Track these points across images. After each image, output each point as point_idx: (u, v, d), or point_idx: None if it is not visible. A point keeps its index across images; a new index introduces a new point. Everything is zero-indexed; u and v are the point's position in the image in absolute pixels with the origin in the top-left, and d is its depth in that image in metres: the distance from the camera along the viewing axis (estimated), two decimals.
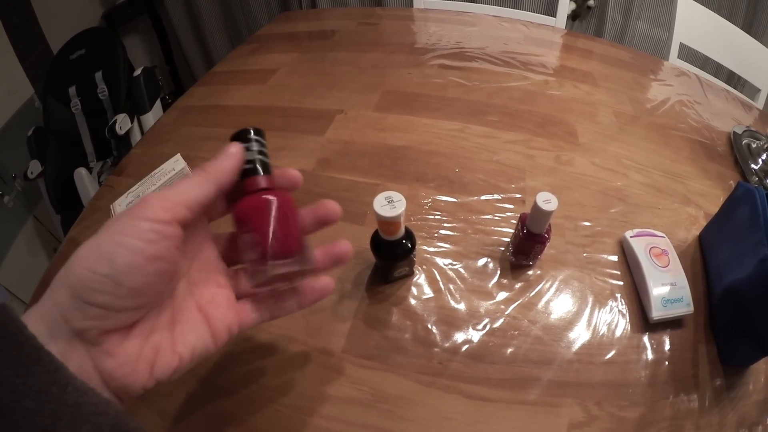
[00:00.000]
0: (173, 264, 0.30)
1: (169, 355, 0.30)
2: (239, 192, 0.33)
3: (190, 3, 2.09)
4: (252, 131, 0.34)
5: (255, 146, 0.33)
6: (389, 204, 0.42)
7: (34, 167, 1.48)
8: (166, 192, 0.30)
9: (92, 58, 1.57)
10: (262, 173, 0.33)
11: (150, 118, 1.55)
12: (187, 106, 0.92)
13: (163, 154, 0.71)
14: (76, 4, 1.84)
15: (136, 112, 1.55)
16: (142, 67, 1.57)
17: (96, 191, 0.83)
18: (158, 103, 1.60)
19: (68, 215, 1.51)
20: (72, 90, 1.54)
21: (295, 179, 0.36)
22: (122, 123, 1.46)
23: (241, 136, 0.33)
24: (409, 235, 0.49)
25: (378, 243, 0.49)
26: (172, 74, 2.35)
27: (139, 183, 0.65)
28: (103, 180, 1.50)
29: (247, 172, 0.33)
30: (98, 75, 1.55)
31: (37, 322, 0.26)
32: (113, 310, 0.27)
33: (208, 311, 0.33)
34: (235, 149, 0.33)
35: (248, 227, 0.32)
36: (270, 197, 0.32)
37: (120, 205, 0.62)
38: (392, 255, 0.49)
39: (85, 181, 1.47)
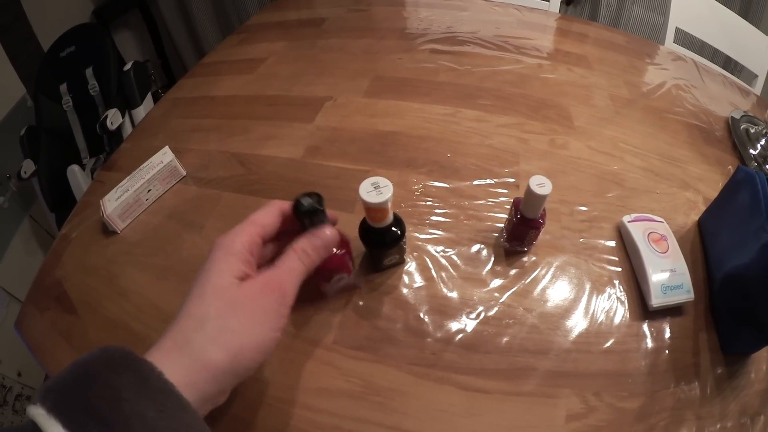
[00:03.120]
0: None
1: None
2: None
3: None
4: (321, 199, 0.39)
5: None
6: (375, 190, 0.41)
7: (28, 166, 1.47)
8: (273, 273, 0.36)
9: (82, 55, 1.56)
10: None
11: (141, 112, 1.54)
12: (176, 98, 0.90)
13: (153, 147, 0.70)
14: (66, 1, 1.82)
15: (127, 106, 1.54)
16: (132, 62, 1.55)
17: None
18: (149, 97, 1.59)
19: (63, 213, 1.50)
20: (63, 87, 1.54)
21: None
22: (113, 118, 1.45)
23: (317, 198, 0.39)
24: (398, 222, 0.47)
25: (366, 231, 0.47)
26: (164, 68, 2.34)
27: (127, 177, 0.64)
28: (96, 176, 1.49)
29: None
30: (89, 71, 1.54)
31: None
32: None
33: None
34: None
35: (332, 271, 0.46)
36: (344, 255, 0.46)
37: (110, 200, 0.61)
38: (381, 243, 0.47)
39: (78, 178, 1.46)
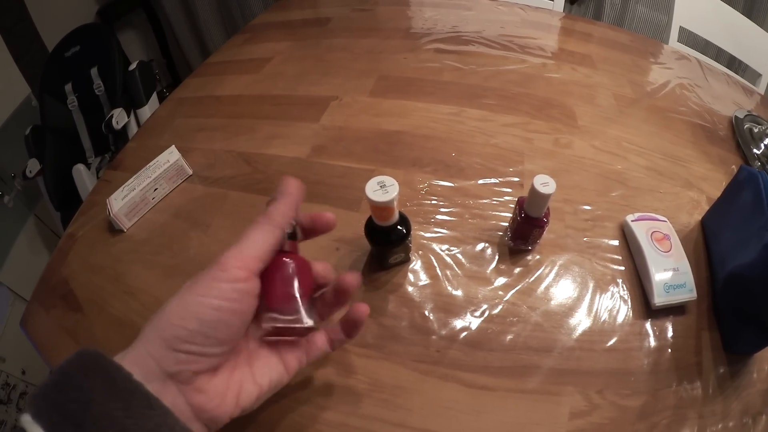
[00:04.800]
0: (253, 311, 0.34)
1: (251, 386, 0.35)
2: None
3: None
4: None
5: None
6: (381, 189, 0.41)
7: (33, 166, 1.48)
8: (239, 249, 0.33)
9: (87, 55, 1.56)
10: (286, 238, 0.37)
11: (146, 111, 1.54)
12: (182, 97, 0.91)
13: (159, 146, 0.71)
14: (70, 1, 1.82)
15: (132, 106, 1.54)
16: (137, 61, 1.56)
17: None
18: (155, 97, 1.60)
19: (68, 212, 1.51)
20: (68, 87, 1.54)
21: (330, 222, 0.40)
22: (119, 117, 1.45)
23: None
24: (403, 221, 0.48)
25: (372, 229, 0.48)
26: (168, 67, 2.34)
27: (134, 176, 0.65)
28: (102, 175, 1.49)
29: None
30: (94, 71, 1.54)
31: (131, 367, 0.29)
32: (203, 356, 0.31)
33: (278, 347, 0.38)
34: (294, 186, 0.37)
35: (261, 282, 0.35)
36: (285, 260, 0.36)
37: (116, 198, 0.62)
38: (387, 241, 0.48)
39: (83, 177, 1.46)
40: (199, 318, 0.31)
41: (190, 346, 0.30)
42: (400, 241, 0.48)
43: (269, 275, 0.35)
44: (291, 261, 0.36)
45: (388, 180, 0.42)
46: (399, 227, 0.47)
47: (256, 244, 0.34)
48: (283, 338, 0.38)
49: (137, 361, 0.30)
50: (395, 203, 0.42)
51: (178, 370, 0.30)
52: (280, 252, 0.36)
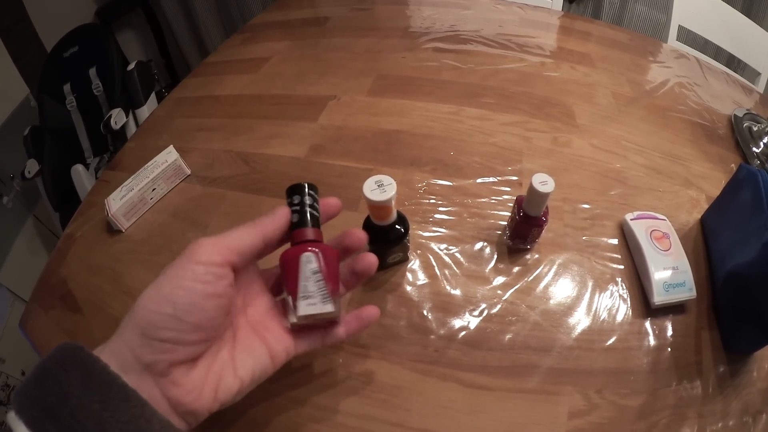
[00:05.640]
0: (229, 299, 0.34)
1: (231, 380, 0.34)
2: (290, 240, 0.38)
3: None
4: (307, 186, 0.38)
5: (308, 200, 0.37)
6: (379, 188, 0.41)
7: (32, 166, 1.47)
8: (218, 237, 0.34)
9: (85, 55, 1.56)
10: (309, 226, 0.37)
11: (145, 111, 1.54)
12: (180, 97, 0.91)
13: (157, 146, 0.70)
14: (69, 2, 1.82)
15: (131, 106, 1.54)
16: (135, 61, 1.56)
17: None
18: (153, 97, 1.59)
19: (67, 213, 1.50)
20: (67, 87, 1.54)
21: (334, 206, 0.41)
22: (117, 118, 1.45)
23: (296, 190, 0.38)
24: (401, 220, 0.48)
25: (370, 228, 0.47)
26: (167, 67, 2.34)
27: (132, 176, 0.65)
28: (100, 176, 1.50)
29: (296, 224, 0.37)
30: (92, 71, 1.54)
31: (109, 359, 0.29)
32: (179, 344, 0.31)
33: (266, 337, 0.37)
34: (282, 213, 0.37)
35: (285, 274, 0.36)
36: (311, 248, 0.36)
37: (114, 199, 0.62)
38: (385, 240, 0.48)
39: (82, 177, 1.46)
40: (173, 301, 0.30)
41: (164, 332, 0.30)
42: (399, 240, 0.48)
43: (295, 264, 0.35)
44: (318, 250, 0.36)
45: (386, 179, 0.42)
46: (397, 226, 0.47)
47: (236, 237, 0.35)
48: (307, 325, 0.38)
49: (114, 353, 0.30)
50: (393, 202, 0.42)
51: (154, 360, 0.30)
52: (306, 241, 0.36)
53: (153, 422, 0.28)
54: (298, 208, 0.37)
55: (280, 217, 0.37)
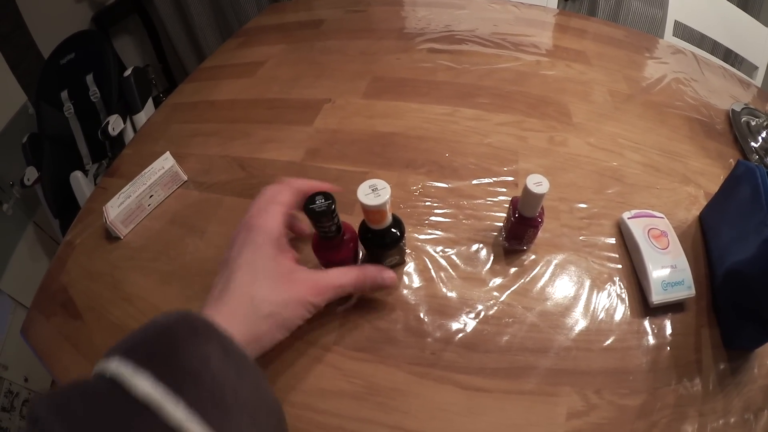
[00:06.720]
0: None
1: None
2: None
3: (179, 0, 2.08)
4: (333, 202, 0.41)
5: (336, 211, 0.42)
6: (373, 192, 0.41)
7: (31, 173, 1.48)
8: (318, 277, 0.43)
9: (82, 62, 1.57)
10: (341, 233, 0.45)
11: (142, 117, 1.55)
12: (176, 103, 0.91)
13: (154, 152, 0.71)
14: (65, 8, 1.83)
15: (128, 112, 1.54)
16: (132, 67, 1.56)
17: None
18: (150, 102, 1.60)
19: (67, 219, 1.51)
20: (64, 94, 1.54)
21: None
22: (115, 124, 1.45)
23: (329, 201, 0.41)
24: (397, 223, 0.48)
25: (366, 232, 0.47)
26: (165, 72, 2.34)
27: (130, 183, 0.65)
28: (99, 182, 1.50)
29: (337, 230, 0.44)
30: (89, 78, 1.54)
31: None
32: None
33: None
34: (390, 281, 0.47)
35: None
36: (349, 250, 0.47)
37: (112, 206, 0.62)
38: (380, 244, 0.47)
39: (81, 184, 1.47)
40: (288, 328, 0.41)
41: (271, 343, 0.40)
42: (394, 243, 0.48)
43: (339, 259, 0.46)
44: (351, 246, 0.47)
45: (380, 183, 0.41)
46: (393, 230, 0.47)
47: (335, 277, 0.44)
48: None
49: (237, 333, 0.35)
50: (388, 206, 0.42)
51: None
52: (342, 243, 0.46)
53: (268, 390, 0.33)
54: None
55: (387, 280, 0.47)
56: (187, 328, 0.31)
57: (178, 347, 0.29)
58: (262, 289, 0.38)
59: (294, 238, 0.53)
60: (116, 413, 0.26)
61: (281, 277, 0.40)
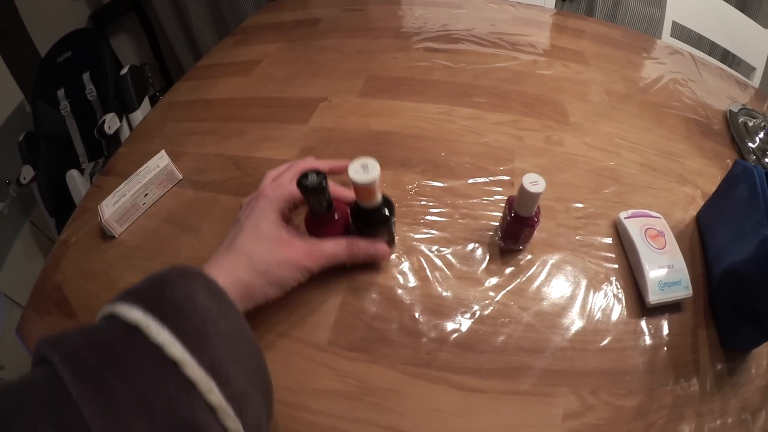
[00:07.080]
0: None
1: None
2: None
3: None
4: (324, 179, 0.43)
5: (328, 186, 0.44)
6: (363, 169, 0.42)
7: (27, 172, 1.48)
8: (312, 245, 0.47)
9: (79, 60, 1.56)
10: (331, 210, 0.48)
11: (138, 116, 1.54)
12: (172, 101, 0.90)
13: (150, 151, 0.70)
14: (63, 6, 1.83)
15: (124, 110, 1.54)
16: (128, 66, 1.55)
17: None
18: (146, 101, 1.60)
19: (63, 218, 1.50)
20: (60, 93, 1.54)
21: (342, 168, 0.55)
22: (111, 122, 1.45)
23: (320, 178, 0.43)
24: (387, 203, 0.48)
25: (356, 212, 0.48)
26: (161, 70, 2.34)
27: (125, 182, 0.64)
28: (95, 181, 1.50)
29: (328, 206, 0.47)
30: (86, 76, 1.54)
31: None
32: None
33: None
34: (383, 251, 0.51)
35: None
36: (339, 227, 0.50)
37: (107, 205, 0.61)
38: (369, 222, 0.48)
39: (77, 182, 1.46)
40: (281, 286, 0.45)
41: (264, 299, 0.44)
42: (384, 222, 0.48)
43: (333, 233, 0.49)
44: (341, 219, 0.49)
45: (371, 161, 0.42)
46: (383, 209, 0.48)
47: (328, 247, 0.48)
48: None
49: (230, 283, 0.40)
50: (377, 184, 0.43)
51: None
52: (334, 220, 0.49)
53: (249, 332, 0.37)
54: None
55: (381, 253, 0.52)
56: (177, 273, 0.35)
57: (165, 286, 0.34)
58: (261, 249, 0.43)
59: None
60: (110, 335, 0.31)
61: (280, 241, 0.45)
